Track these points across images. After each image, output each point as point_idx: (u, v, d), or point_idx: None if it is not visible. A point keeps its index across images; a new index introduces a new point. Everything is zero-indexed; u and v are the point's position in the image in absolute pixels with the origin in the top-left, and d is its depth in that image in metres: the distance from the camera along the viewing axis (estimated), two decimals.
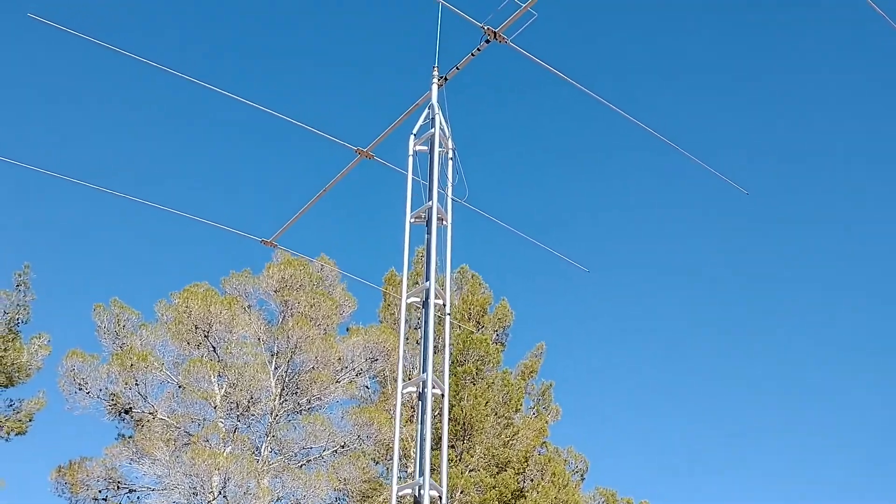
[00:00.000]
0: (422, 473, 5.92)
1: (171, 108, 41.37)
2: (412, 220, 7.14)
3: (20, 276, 21.40)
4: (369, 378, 23.56)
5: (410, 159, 7.42)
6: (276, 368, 22.16)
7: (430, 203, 7.02)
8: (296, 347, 21.98)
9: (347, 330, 24.61)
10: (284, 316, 22.98)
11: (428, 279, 6.72)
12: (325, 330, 22.78)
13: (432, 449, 5.98)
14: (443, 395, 6.39)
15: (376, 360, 22.85)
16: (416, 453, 6.23)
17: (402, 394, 6.40)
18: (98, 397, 21.02)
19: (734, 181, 8.81)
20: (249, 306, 23.22)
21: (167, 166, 41.68)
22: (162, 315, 22.59)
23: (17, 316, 21.31)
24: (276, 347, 22.46)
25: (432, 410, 6.22)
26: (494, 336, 24.38)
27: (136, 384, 20.79)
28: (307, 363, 22.02)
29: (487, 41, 7.42)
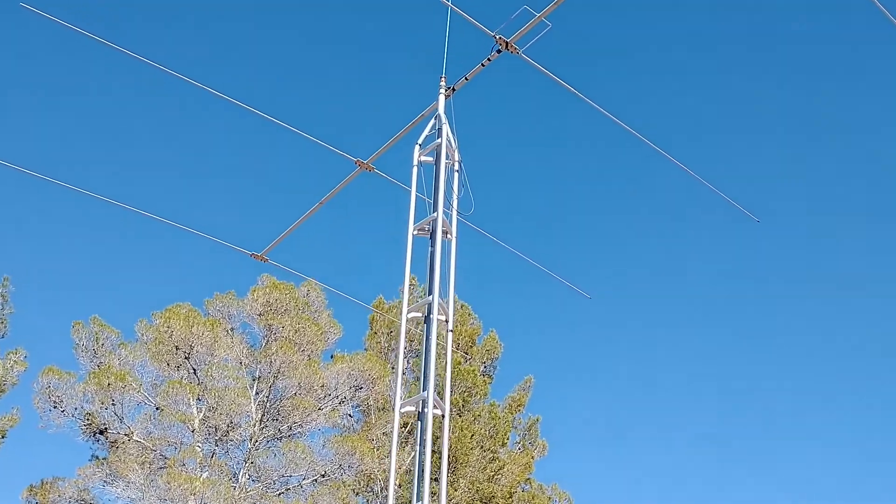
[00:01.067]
0: (420, 499, 5.56)
1: (160, 109, 39.17)
2: (415, 233, 6.83)
3: None
4: (352, 406, 23.06)
5: (415, 169, 7.13)
6: (257, 393, 21.65)
7: (435, 214, 6.72)
8: (278, 372, 21.49)
9: (332, 357, 24.17)
10: (268, 340, 22.51)
11: (431, 293, 6.39)
12: (308, 356, 22.32)
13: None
14: (443, 416, 6.03)
15: (360, 388, 22.37)
16: (413, 478, 5.86)
17: (400, 413, 6.04)
18: (73, 416, 20.43)
19: (745, 207, 8.58)
20: (232, 329, 22.75)
21: (154, 171, 39.38)
22: (142, 335, 22.07)
23: None
24: (258, 372, 21.97)
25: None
26: (482, 368, 23.98)
27: (113, 404, 20.22)
28: (289, 389, 21.52)
29: (499, 51, 7.18)
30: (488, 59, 7.28)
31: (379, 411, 22.85)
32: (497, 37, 7.06)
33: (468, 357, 24.10)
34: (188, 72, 7.58)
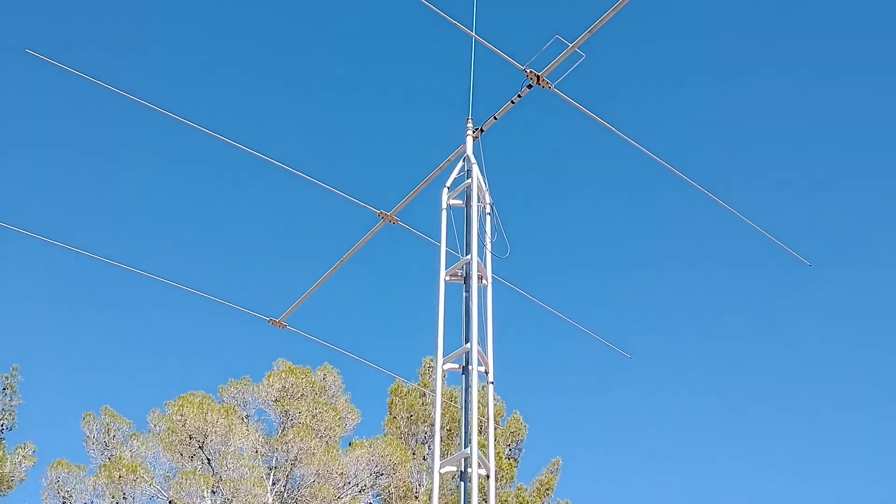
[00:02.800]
0: None
1: (169, 159, 35.46)
2: (447, 279, 6.28)
3: (7, 378, 20.26)
4: (373, 495, 22.07)
5: (444, 213, 6.63)
6: (274, 483, 20.74)
7: (469, 257, 6.18)
8: (296, 460, 20.64)
9: (350, 444, 23.30)
10: (284, 427, 21.73)
11: (468, 341, 5.80)
12: (327, 442, 21.48)
13: None
14: (487, 477, 5.37)
15: (381, 475, 21.44)
16: None
17: (440, 474, 5.38)
18: None
19: (796, 251, 8.00)
20: (247, 416, 22.00)
21: (164, 235, 35.57)
22: (155, 425, 21.36)
23: (2, 421, 20.06)
24: (274, 460, 21.11)
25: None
26: (507, 451, 23.01)
27: (124, 498, 19.35)
28: (307, 477, 20.62)
29: (530, 86, 6.75)
30: (518, 96, 6.85)
31: (401, 499, 21.84)
32: (528, 70, 6.64)
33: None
34: (198, 120, 7.18)
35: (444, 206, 6.66)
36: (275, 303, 9.14)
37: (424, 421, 24.58)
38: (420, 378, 25.51)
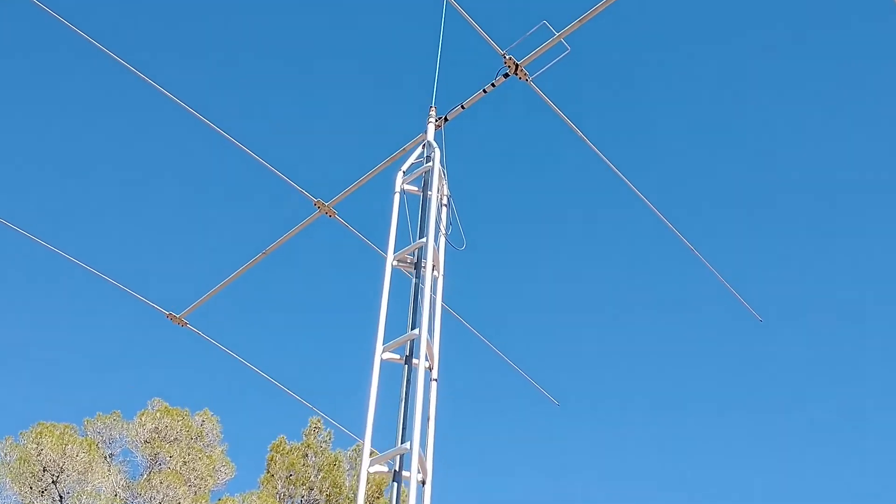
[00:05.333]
0: None
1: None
2: (394, 263, 5.53)
3: None
4: None
5: (397, 196, 5.93)
6: None
7: (424, 240, 5.46)
8: None
9: (219, 501, 21.64)
10: (151, 471, 20.00)
11: (415, 327, 5.03)
12: (196, 492, 19.84)
13: None
14: (423, 483, 4.54)
15: None
16: None
17: (369, 473, 4.52)
18: None
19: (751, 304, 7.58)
20: (112, 455, 20.20)
21: (53, 201, 29.42)
22: (5, 454, 19.32)
23: None
24: None
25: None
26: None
27: None
28: None
29: (506, 75, 6.20)
30: (492, 85, 6.30)
31: None
32: (507, 57, 6.10)
33: None
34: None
35: (398, 189, 5.98)
36: (180, 297, 8.16)
37: (304, 484, 23.13)
38: (304, 437, 24.17)
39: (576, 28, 5.95)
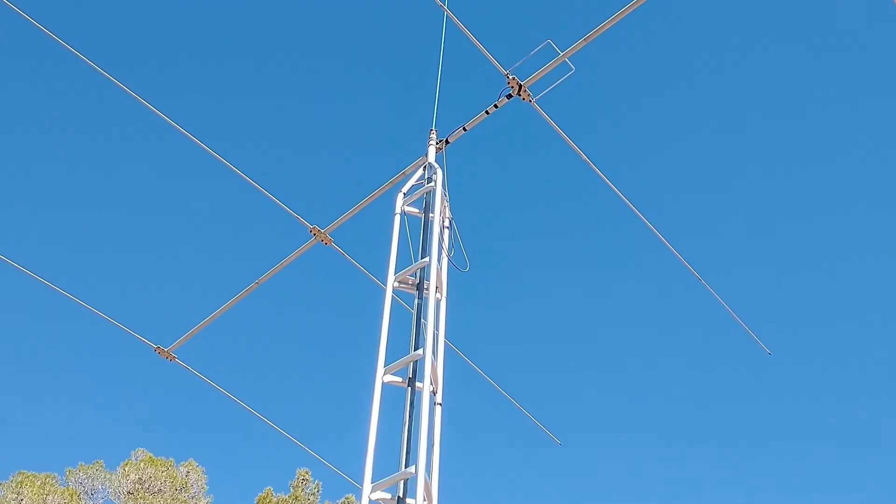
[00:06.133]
0: None
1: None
2: (396, 285, 5.31)
3: None
4: None
5: (397, 217, 5.74)
6: None
7: (426, 260, 5.25)
8: None
9: None
10: None
11: (418, 347, 4.78)
12: None
13: None
14: None
15: None
16: None
17: (370, 501, 4.23)
18: None
19: (759, 336, 7.36)
20: None
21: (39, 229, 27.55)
22: None
23: None
24: None
25: None
26: None
27: None
28: None
29: (509, 96, 6.06)
30: (495, 106, 6.14)
31: None
32: (510, 77, 5.96)
33: None
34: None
35: (398, 210, 5.79)
36: (168, 330, 7.88)
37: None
38: (291, 490, 23.59)
39: (581, 47, 5.82)
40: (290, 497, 23.02)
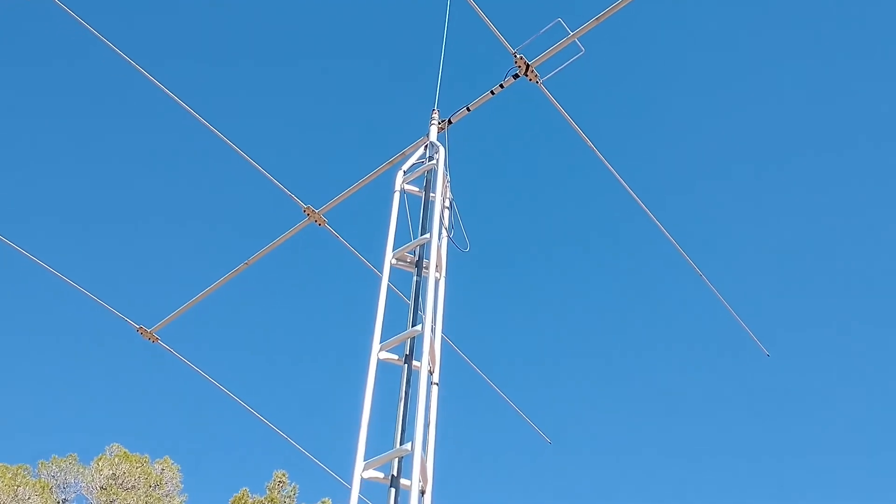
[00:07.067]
0: None
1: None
2: (394, 262, 5.11)
3: None
4: None
5: (396, 195, 5.55)
6: None
7: (428, 236, 5.06)
8: None
9: None
10: None
11: (416, 323, 4.59)
12: None
13: None
14: (423, 493, 4.04)
15: None
16: None
17: (362, 478, 4.01)
18: None
19: (759, 339, 7.20)
20: (66, 500, 19.22)
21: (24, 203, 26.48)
22: None
23: None
24: None
25: None
26: None
27: None
28: None
29: (516, 76, 5.88)
30: (501, 86, 5.96)
31: None
32: (517, 56, 5.78)
33: None
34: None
35: (398, 188, 5.60)
36: (153, 311, 7.63)
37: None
38: (267, 492, 23.25)
39: (592, 27, 5.66)
40: (265, 499, 22.67)
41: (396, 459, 4.01)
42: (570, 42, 5.71)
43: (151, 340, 7.49)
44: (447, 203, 5.62)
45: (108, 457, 20.06)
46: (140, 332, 7.48)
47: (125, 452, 20.35)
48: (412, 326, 4.60)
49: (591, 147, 6.17)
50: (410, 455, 3.89)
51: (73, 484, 19.44)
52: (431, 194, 5.54)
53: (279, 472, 23.11)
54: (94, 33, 5.75)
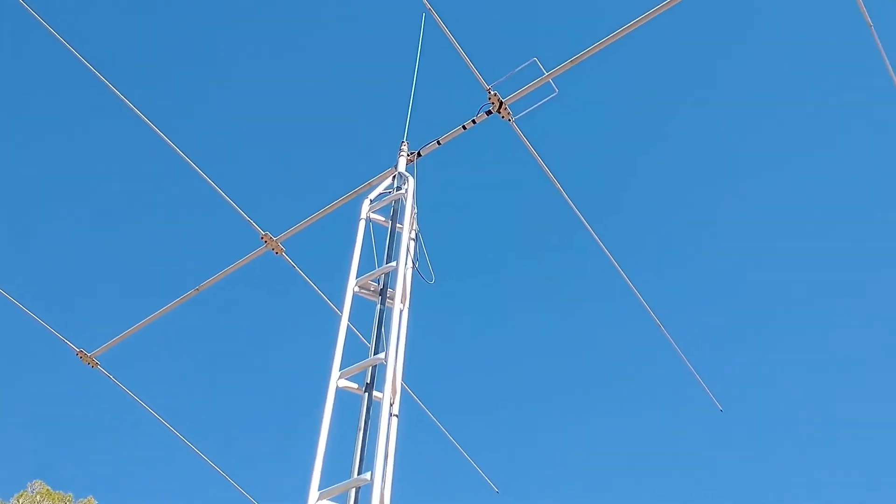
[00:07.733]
0: None
1: None
2: (357, 290, 4.97)
3: None
4: None
5: (362, 223, 5.44)
6: None
7: (394, 264, 4.94)
8: None
9: None
10: None
11: (379, 352, 4.44)
12: None
13: None
14: None
15: None
16: None
17: None
18: None
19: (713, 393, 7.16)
20: None
21: None
22: None
23: None
24: None
25: None
26: None
27: None
28: None
29: (489, 112, 5.86)
30: (472, 122, 5.93)
31: None
32: (492, 93, 5.76)
33: None
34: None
35: (363, 216, 5.49)
36: (96, 335, 7.31)
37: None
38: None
39: (567, 69, 5.67)
40: None
41: (354, 489, 3.83)
42: (544, 82, 5.71)
43: (91, 365, 7.18)
44: (413, 234, 5.52)
45: (30, 494, 19.20)
46: (80, 355, 7.16)
47: (48, 490, 19.49)
48: (374, 355, 4.45)
49: (559, 189, 6.15)
50: (369, 485, 3.72)
51: None
52: (398, 224, 5.44)
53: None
54: (57, 38, 5.59)
